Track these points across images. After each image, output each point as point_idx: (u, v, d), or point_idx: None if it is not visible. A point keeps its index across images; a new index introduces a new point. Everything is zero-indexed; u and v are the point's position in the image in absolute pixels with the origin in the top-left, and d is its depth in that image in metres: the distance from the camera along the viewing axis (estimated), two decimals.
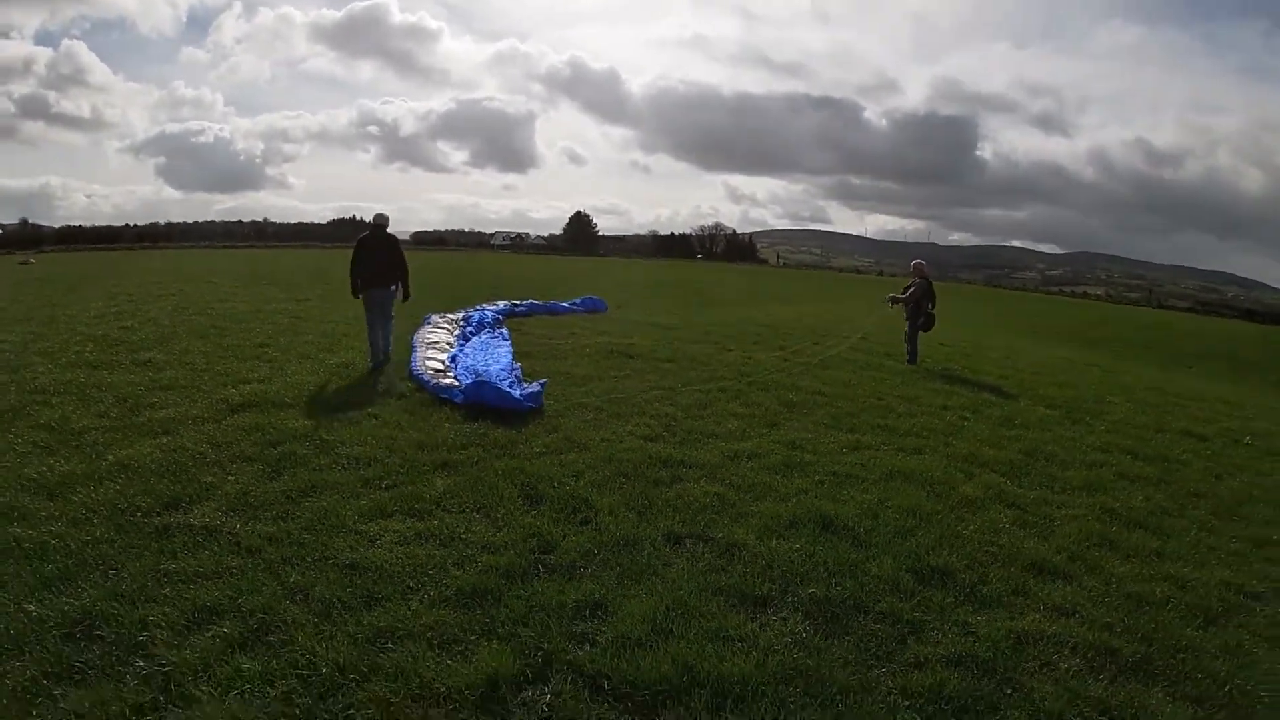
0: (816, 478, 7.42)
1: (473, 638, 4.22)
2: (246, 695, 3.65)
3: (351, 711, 3.60)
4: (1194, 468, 9.54)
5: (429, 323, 14.95)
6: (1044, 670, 4.44)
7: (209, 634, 4.09)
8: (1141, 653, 4.74)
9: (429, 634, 4.21)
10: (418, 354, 11.65)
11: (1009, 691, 4.18)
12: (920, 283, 15.84)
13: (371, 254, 11.75)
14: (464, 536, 5.50)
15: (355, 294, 11.78)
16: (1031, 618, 5.03)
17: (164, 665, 3.82)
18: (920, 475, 7.75)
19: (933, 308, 15.80)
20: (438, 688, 3.77)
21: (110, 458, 6.74)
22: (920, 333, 15.89)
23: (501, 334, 14.96)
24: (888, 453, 8.56)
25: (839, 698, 3.98)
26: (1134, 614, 5.26)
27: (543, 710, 3.69)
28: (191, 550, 5.07)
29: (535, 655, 4.07)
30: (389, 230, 12.27)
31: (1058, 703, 4.11)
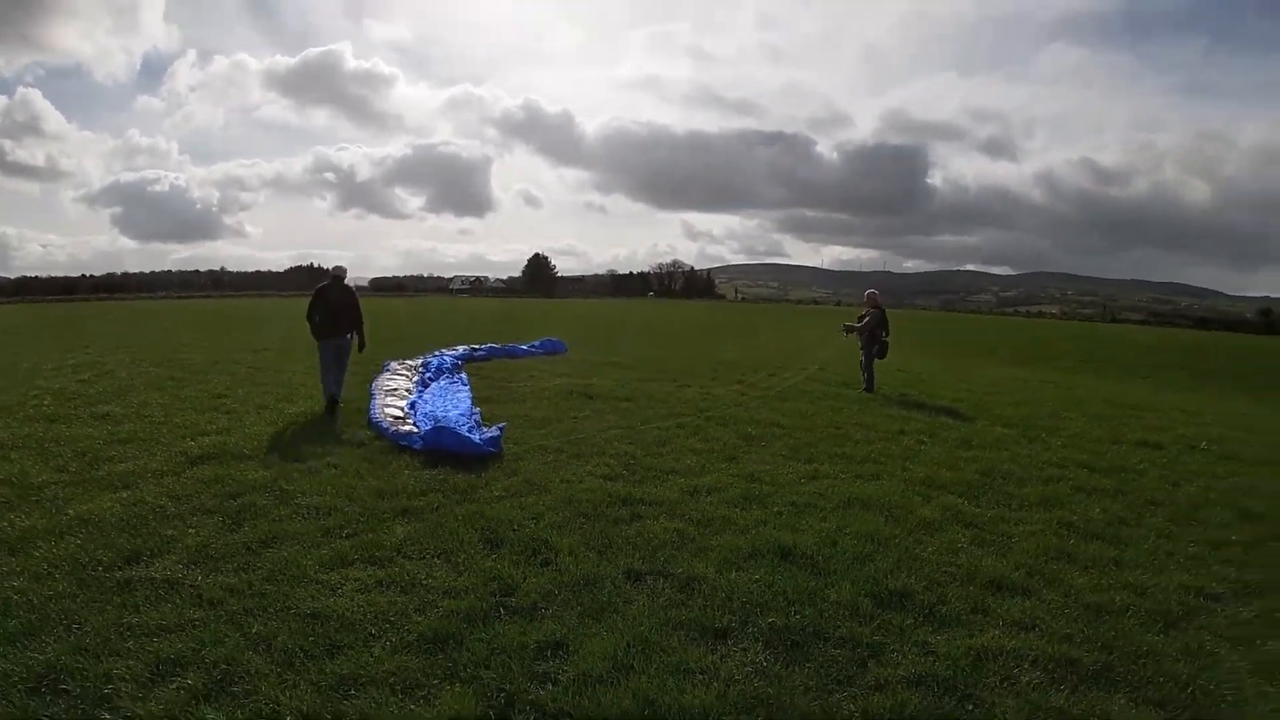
0: (775, 508, 7.53)
1: (435, 682, 4.26)
2: None
3: None
4: (1150, 476, 9.80)
5: (388, 370, 15.01)
6: (1005, 685, 4.52)
7: (173, 686, 4.10)
8: (1102, 661, 4.85)
9: (392, 680, 4.25)
10: (376, 401, 11.69)
11: (970, 708, 4.27)
12: (874, 312, 16.19)
13: (329, 304, 12.00)
14: (425, 582, 5.53)
15: (316, 337, 11.97)
16: (991, 634, 5.13)
17: (129, 718, 3.84)
18: (878, 501, 7.89)
19: (886, 336, 16.14)
20: None
21: (70, 512, 6.72)
22: (876, 360, 16.22)
23: (460, 379, 15.01)
24: (845, 480, 8.70)
25: None
26: (1093, 624, 5.37)
27: None
28: (154, 603, 5.07)
29: (498, 697, 4.12)
30: (346, 281, 12.54)
31: (1019, 716, 4.20)
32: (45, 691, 4.05)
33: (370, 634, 4.77)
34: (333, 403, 11.87)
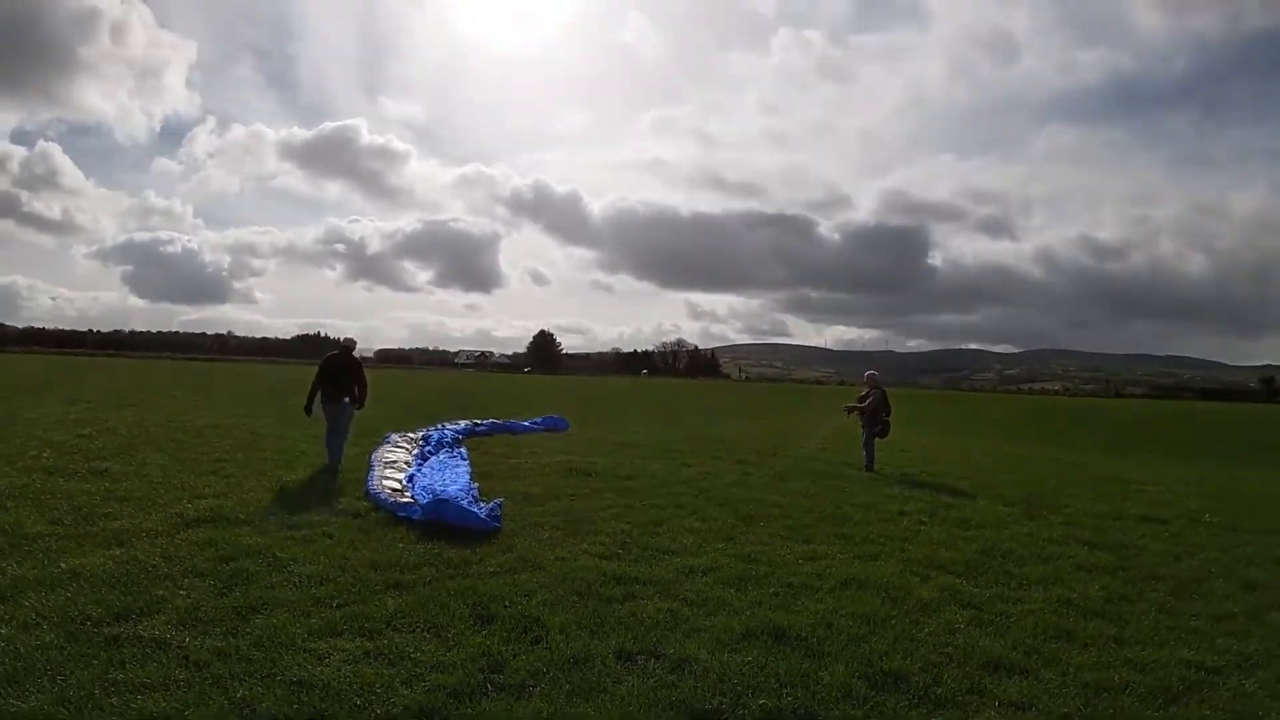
0: (771, 589, 7.46)
1: None
2: None
3: None
4: (1152, 551, 9.83)
5: (388, 442, 14.98)
6: None
7: None
8: None
9: None
10: (375, 473, 11.70)
11: None
12: (875, 393, 16.45)
13: (335, 372, 13.06)
14: (413, 655, 5.48)
15: (309, 410, 12.77)
16: (987, 715, 5.08)
17: None
18: (875, 581, 7.82)
19: (888, 416, 16.25)
20: None
21: (63, 565, 6.73)
22: (877, 439, 16.30)
23: (460, 454, 15.04)
24: (843, 561, 8.64)
25: None
26: (1092, 702, 5.32)
27: None
28: (140, 661, 5.04)
29: None
30: (355, 353, 13.57)
31: None
32: None
33: (355, 705, 4.70)
34: (334, 466, 12.55)
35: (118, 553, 7.25)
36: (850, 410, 17.23)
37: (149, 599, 6.14)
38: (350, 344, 13.62)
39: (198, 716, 4.41)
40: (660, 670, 5.50)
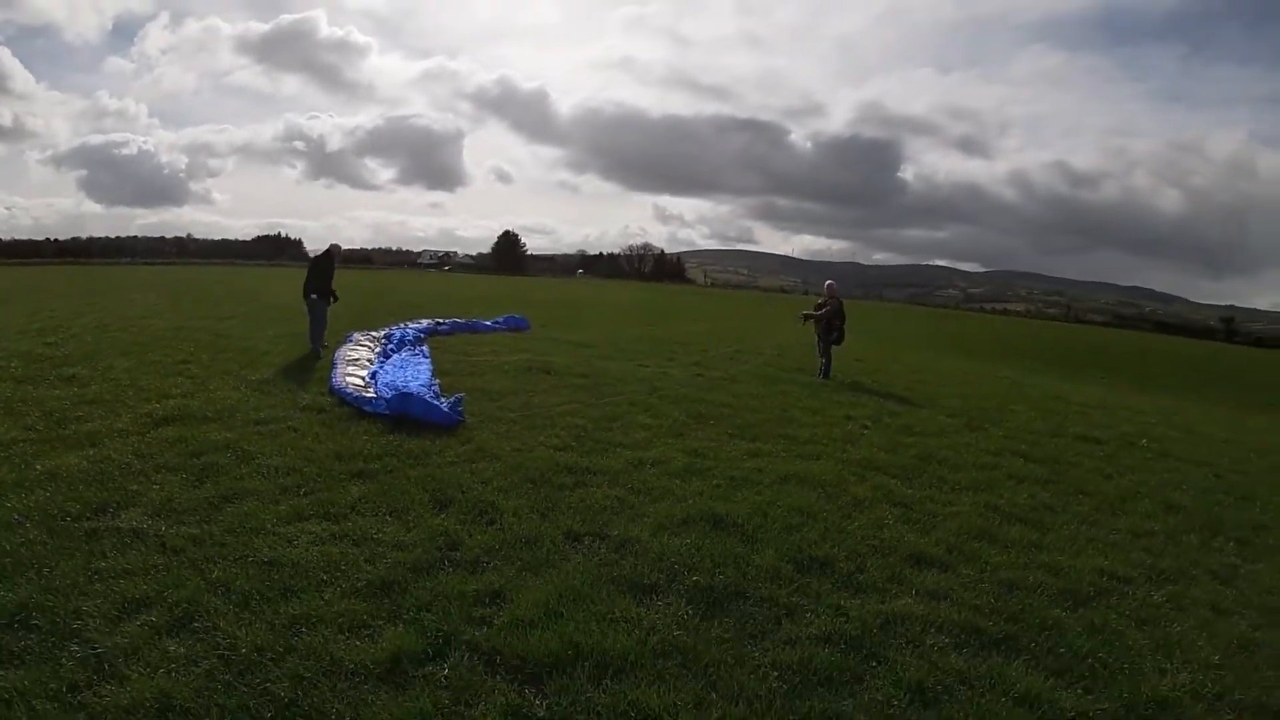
0: (714, 481, 7.93)
1: (379, 623, 4.63)
2: (173, 673, 4.01)
3: (268, 685, 3.98)
4: (1084, 468, 10.32)
5: (351, 340, 15.28)
6: (910, 646, 4.90)
7: (138, 622, 4.45)
8: (1007, 631, 5.25)
9: (340, 620, 4.62)
10: (339, 370, 12.01)
11: (874, 664, 4.66)
12: (832, 303, 16.69)
13: (324, 273, 15.24)
14: (375, 537, 5.88)
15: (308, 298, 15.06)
16: (904, 601, 5.52)
17: (97, 649, 4.16)
18: (813, 478, 8.30)
19: (843, 324, 16.65)
20: (347, 664, 4.18)
21: (39, 467, 6.97)
22: (833, 347, 16.72)
23: (422, 351, 15.37)
24: (785, 459, 9.12)
25: (712, 669, 4.44)
26: (1004, 597, 5.76)
27: (441, 681, 4.11)
28: (120, 550, 5.39)
29: (436, 636, 4.50)
30: (326, 252, 15.85)
31: (919, 673, 4.57)
32: (18, 627, 4.36)
33: (322, 580, 5.12)
34: (319, 350, 14.54)
35: (91, 453, 7.50)
36: (806, 318, 17.57)
37: (124, 494, 6.46)
38: (336, 249, 16.10)
39: (177, 596, 4.78)
40: (605, 550, 5.97)
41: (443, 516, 6.39)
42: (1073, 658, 4.99)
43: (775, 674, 4.46)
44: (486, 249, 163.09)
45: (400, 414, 9.34)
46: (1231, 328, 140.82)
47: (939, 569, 6.24)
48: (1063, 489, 9.13)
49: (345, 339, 15.45)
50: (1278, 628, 5.87)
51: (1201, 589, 6.50)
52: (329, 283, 15.31)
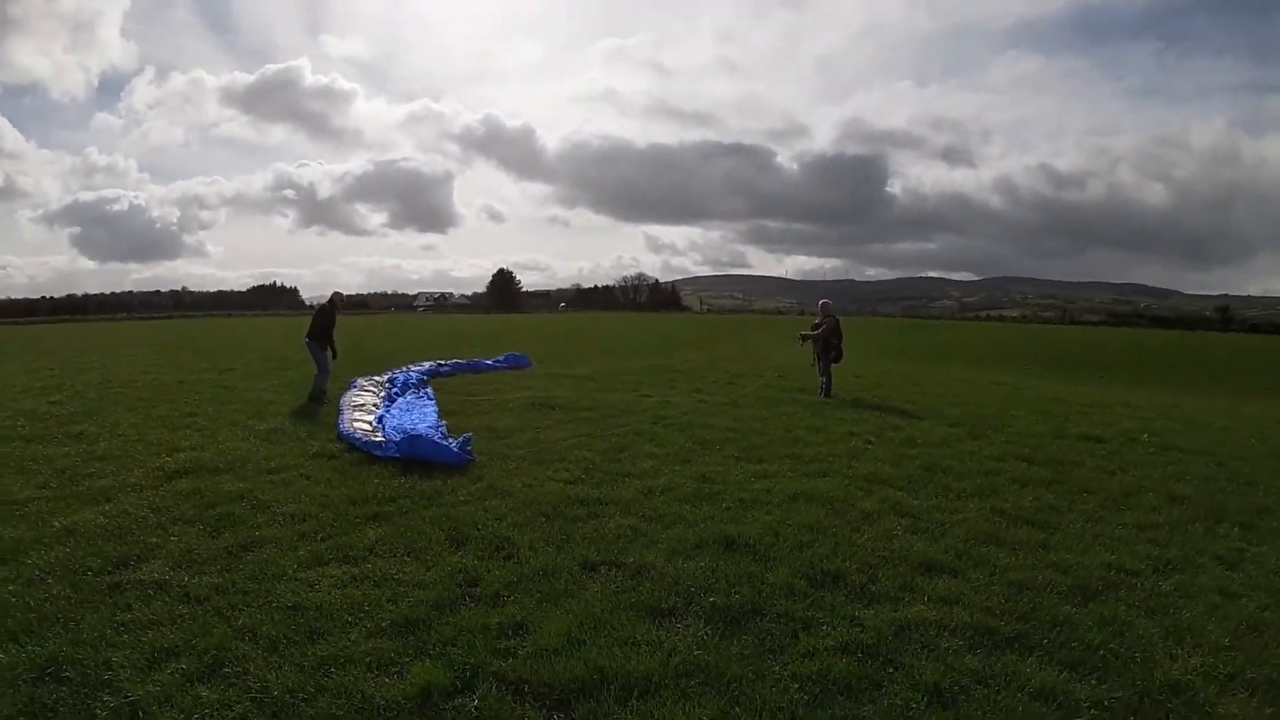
0: (724, 504, 8.03)
1: (406, 659, 4.72)
2: (208, 718, 4.11)
3: None
4: (1087, 467, 10.42)
5: (355, 386, 15.40)
6: (925, 650, 5.00)
7: (169, 670, 4.53)
8: (1019, 629, 5.35)
9: (367, 659, 4.71)
10: (345, 415, 12.09)
11: (891, 670, 4.76)
12: (828, 321, 16.88)
13: (326, 321, 15.65)
14: (396, 577, 5.97)
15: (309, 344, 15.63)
16: (917, 608, 5.61)
17: (130, 698, 4.25)
18: (821, 495, 8.40)
19: (839, 342, 16.79)
20: (378, 701, 4.27)
21: (56, 524, 7.08)
22: (832, 365, 16.86)
23: (426, 393, 15.46)
24: (792, 478, 9.22)
25: (734, 685, 4.54)
26: (1014, 598, 5.87)
27: (472, 713, 4.20)
28: (144, 602, 5.48)
29: (463, 669, 4.59)
30: (327, 304, 16.32)
31: (935, 676, 4.66)
32: (49, 680, 4.45)
33: (347, 621, 5.21)
34: (314, 396, 14.74)
35: (107, 508, 7.60)
36: (804, 338, 17.75)
37: (143, 547, 6.55)
38: (333, 298, 16.58)
39: (205, 644, 4.86)
40: (621, 577, 6.06)
41: (460, 554, 6.47)
42: (1085, 650, 5.09)
43: (795, 685, 4.55)
44: (481, 288, 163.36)
45: (410, 456, 9.42)
46: (1226, 316, 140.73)
47: (949, 575, 6.34)
48: (1067, 489, 9.23)
49: (349, 384, 15.56)
50: None
51: (1209, 575, 6.60)
52: (330, 331, 15.63)
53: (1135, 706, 4.48)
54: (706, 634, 5.15)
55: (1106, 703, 4.48)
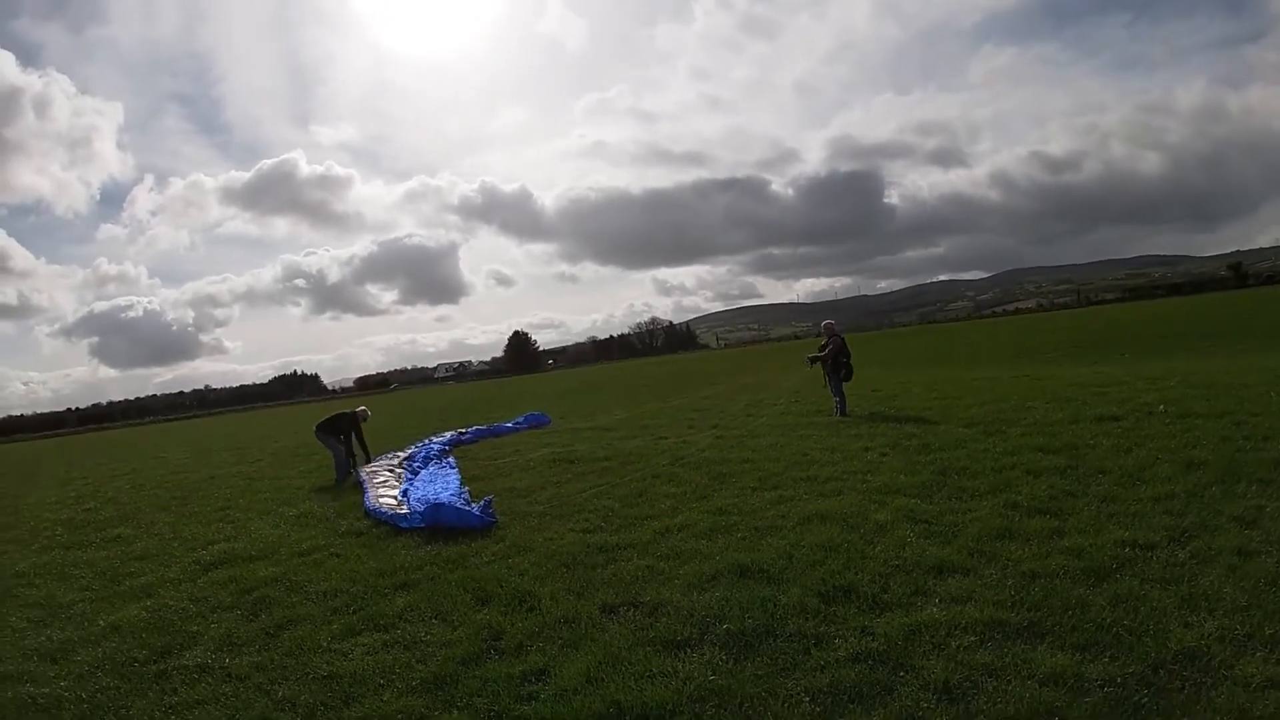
0: (739, 535, 8.20)
1: (436, 713, 4.97)
2: None
3: None
4: (1103, 448, 10.43)
5: (379, 462, 15.72)
6: (935, 651, 5.12)
7: None
8: (1030, 619, 5.43)
9: (400, 716, 4.96)
10: (370, 493, 12.39)
11: (903, 674, 4.89)
12: (834, 340, 17.10)
13: (348, 428, 16.12)
14: (424, 639, 6.23)
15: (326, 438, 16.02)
16: (928, 611, 5.73)
17: None
18: (836, 514, 8.53)
19: (848, 360, 16.99)
20: None
21: (101, 622, 7.43)
22: (844, 383, 17.01)
23: (448, 463, 15.75)
24: (807, 500, 9.36)
25: (747, 705, 4.72)
26: (1026, 588, 5.91)
27: None
28: (189, 684, 5.79)
29: (489, 716, 4.84)
30: (354, 412, 16.63)
31: (945, 674, 4.78)
32: None
33: (380, 684, 5.47)
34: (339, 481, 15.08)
35: (148, 603, 7.95)
36: (813, 361, 17.90)
37: (185, 635, 6.88)
38: (357, 414, 16.53)
39: (247, 716, 5.16)
40: (639, 615, 6.27)
41: (485, 611, 6.71)
42: (1097, 630, 5.16)
43: (807, 699, 4.72)
44: (499, 353, 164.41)
45: (435, 524, 9.70)
46: (1241, 272, 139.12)
47: (961, 574, 6.42)
48: (1081, 473, 9.25)
49: (373, 460, 15.90)
50: None
51: (1226, 537, 6.58)
52: (349, 434, 16.11)
53: (1149, 679, 4.53)
54: (721, 659, 5.33)
55: (1119, 679, 4.54)
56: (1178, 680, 4.51)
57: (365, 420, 16.69)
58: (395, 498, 11.98)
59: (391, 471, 14.83)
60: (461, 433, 21.04)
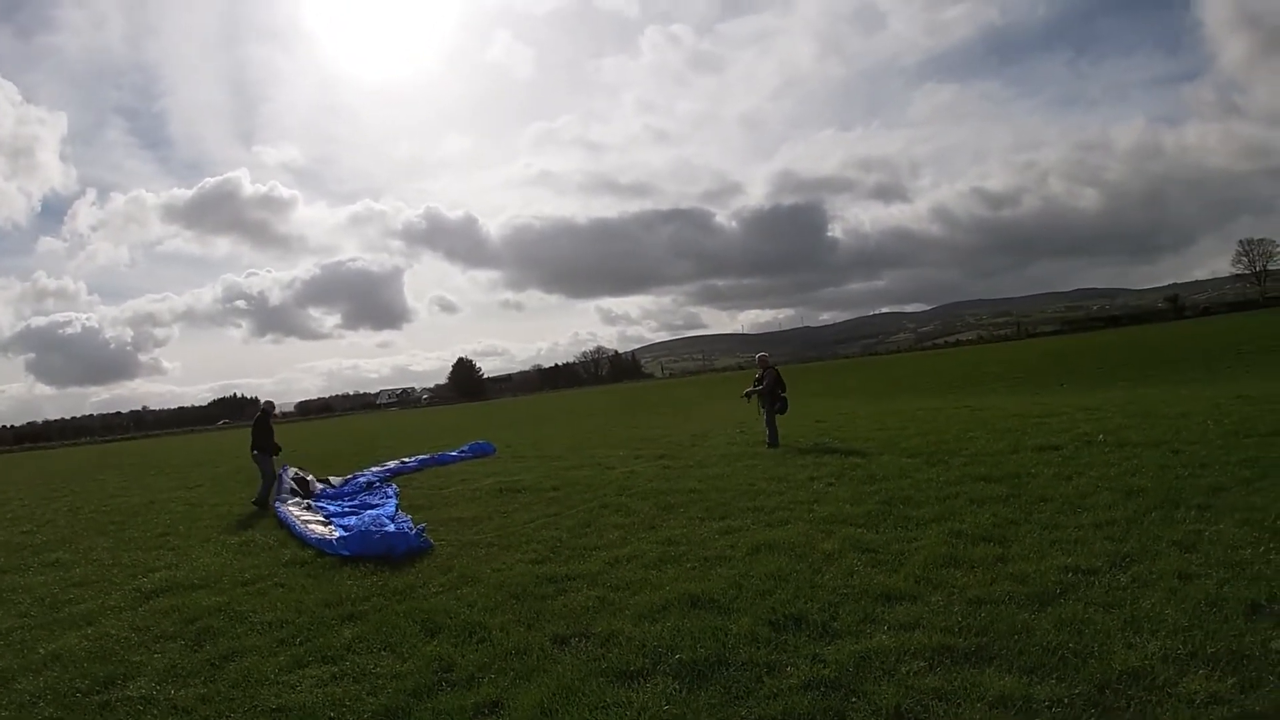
0: (688, 565, 8.24)
1: None
2: None
3: None
4: (1044, 477, 10.69)
5: (284, 481, 15.91)
6: (886, 677, 5.20)
7: None
8: (977, 643, 5.53)
9: None
10: (295, 519, 12.44)
11: (854, 699, 4.95)
12: (769, 373, 17.43)
13: (264, 431, 16.26)
14: (374, 671, 6.17)
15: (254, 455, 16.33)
16: (878, 638, 5.80)
17: None
18: (783, 543, 8.61)
19: (784, 392, 17.30)
20: None
21: (41, 650, 7.26)
22: (778, 415, 17.28)
23: (386, 490, 15.72)
24: (755, 530, 9.44)
25: None
26: (973, 614, 6.03)
27: None
28: (134, 716, 5.68)
29: None
30: (269, 411, 17.24)
31: (897, 699, 4.86)
32: None
33: (330, 717, 5.42)
34: (258, 503, 15.34)
35: (89, 631, 7.79)
36: (749, 394, 18.25)
37: (128, 665, 6.73)
38: (264, 408, 17.22)
39: None
40: (591, 646, 6.28)
41: (435, 642, 6.66)
42: (1043, 653, 5.28)
43: None
44: (443, 379, 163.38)
45: (362, 549, 9.76)
46: (1178, 304, 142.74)
47: (909, 601, 6.53)
48: (1024, 501, 9.46)
49: (281, 478, 16.11)
50: (1243, 580, 6.17)
51: (1167, 561, 6.78)
52: (270, 438, 16.25)
53: (1095, 699, 4.65)
54: (674, 689, 5.36)
55: (1066, 700, 4.65)
56: (1123, 699, 4.63)
57: (273, 412, 17.49)
58: (322, 520, 11.99)
59: (316, 501, 14.76)
60: (404, 462, 20.85)
